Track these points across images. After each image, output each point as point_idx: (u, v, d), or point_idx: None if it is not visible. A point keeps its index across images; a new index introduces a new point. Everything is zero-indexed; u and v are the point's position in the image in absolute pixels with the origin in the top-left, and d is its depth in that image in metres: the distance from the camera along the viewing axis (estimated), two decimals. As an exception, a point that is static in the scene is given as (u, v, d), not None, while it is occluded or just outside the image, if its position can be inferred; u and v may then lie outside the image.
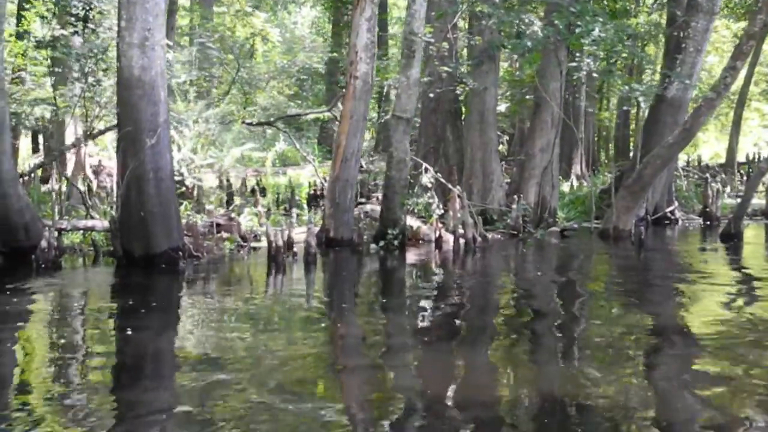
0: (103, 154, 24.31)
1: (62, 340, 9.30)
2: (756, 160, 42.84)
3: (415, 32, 16.22)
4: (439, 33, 18.50)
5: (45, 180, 21.37)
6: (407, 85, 16.45)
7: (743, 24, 38.48)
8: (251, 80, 24.17)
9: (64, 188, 18.13)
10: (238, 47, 21.44)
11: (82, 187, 17.57)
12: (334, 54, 33.38)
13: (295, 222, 16.80)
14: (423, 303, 11.74)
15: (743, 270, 15.46)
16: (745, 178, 34.74)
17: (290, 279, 13.65)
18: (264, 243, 16.23)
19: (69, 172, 19.44)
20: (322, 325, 10.32)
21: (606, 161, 38.72)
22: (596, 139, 41.38)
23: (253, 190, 22.44)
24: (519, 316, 11.05)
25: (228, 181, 21.84)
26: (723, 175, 28.48)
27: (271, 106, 23.96)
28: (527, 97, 21.88)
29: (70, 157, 21.39)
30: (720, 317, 10.60)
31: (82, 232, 15.65)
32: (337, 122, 40.26)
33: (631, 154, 39.97)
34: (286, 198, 21.83)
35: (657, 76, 32.79)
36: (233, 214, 17.24)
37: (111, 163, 20.34)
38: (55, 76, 17.61)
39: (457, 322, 10.47)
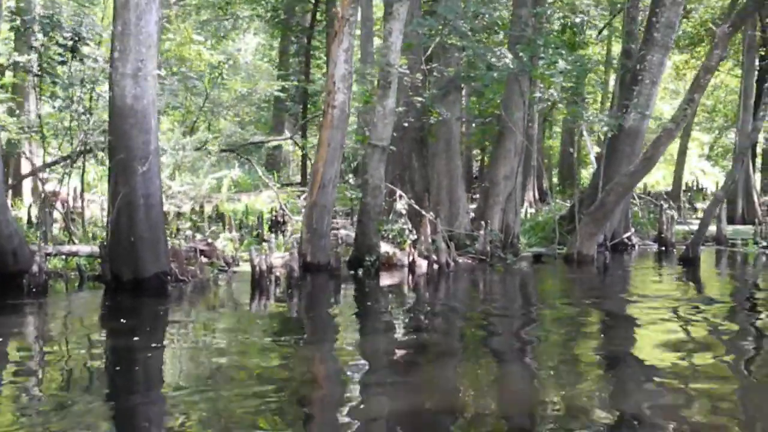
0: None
1: (66, 358, 9.73)
2: (695, 188, 44.31)
3: (391, 63, 16.76)
4: (414, 64, 19.07)
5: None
6: (383, 114, 16.98)
7: (685, 57, 39.90)
8: (214, 108, 24.54)
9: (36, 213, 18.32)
10: (207, 75, 21.80)
11: (58, 214, 17.79)
12: (297, 83, 33.84)
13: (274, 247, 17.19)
14: (405, 327, 12.28)
15: (705, 293, 16.19)
16: (687, 205, 35.95)
17: (274, 303, 14.14)
18: (244, 267, 16.70)
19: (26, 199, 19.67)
20: (305, 348, 10.77)
21: (561, 188, 39.59)
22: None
23: (221, 216, 22.73)
24: (492, 338, 11.65)
25: (201, 207, 22.14)
26: (671, 203, 29.38)
27: (233, 133, 24.31)
28: (491, 125, 22.50)
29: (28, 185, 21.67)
30: (682, 340, 11.25)
31: (63, 257, 15.86)
32: (288, 149, 40.77)
33: (579, 181, 41.15)
34: (247, 224, 22.16)
35: (607, 105, 33.91)
36: (210, 240, 17.58)
37: (64, 190, 20.43)
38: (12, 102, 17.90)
39: (437, 344, 11.06)
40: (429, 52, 18.60)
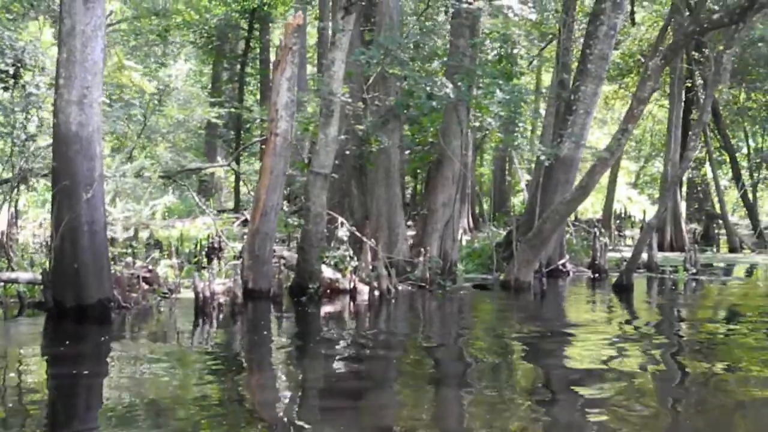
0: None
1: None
2: (623, 215, 45.21)
3: (334, 92, 16.97)
4: (355, 93, 19.30)
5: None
6: (325, 143, 17.16)
7: (614, 87, 40.78)
8: (150, 134, 24.52)
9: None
10: (146, 102, 21.81)
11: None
12: (234, 109, 33.93)
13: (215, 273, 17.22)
14: (347, 354, 12.51)
15: (640, 321, 16.57)
16: (616, 232, 36.72)
17: (217, 330, 14.22)
18: (185, 294, 16.73)
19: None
20: (248, 377, 10.99)
21: (493, 215, 40.13)
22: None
23: (157, 243, 22.69)
24: (433, 365, 11.92)
25: (136, 233, 22.08)
26: (602, 230, 29.96)
27: (170, 159, 24.31)
28: (428, 153, 22.84)
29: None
30: (614, 369, 11.59)
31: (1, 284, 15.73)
32: (220, 175, 40.73)
33: (510, 208, 41.80)
34: (183, 251, 22.15)
35: (538, 133, 34.53)
36: (150, 266, 17.54)
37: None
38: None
39: (377, 372, 11.30)
40: (370, 81, 18.82)
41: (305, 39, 39.48)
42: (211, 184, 44.49)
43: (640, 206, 52.76)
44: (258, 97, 46.10)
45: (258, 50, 45.16)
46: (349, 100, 18.49)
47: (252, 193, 46.65)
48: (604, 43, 20.97)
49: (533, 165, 42.61)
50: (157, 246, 22.59)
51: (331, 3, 24.37)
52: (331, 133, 17.18)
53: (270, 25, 45.35)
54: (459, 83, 18.79)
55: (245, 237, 25.07)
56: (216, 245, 23.63)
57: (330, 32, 18.62)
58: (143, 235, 24.51)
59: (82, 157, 13.70)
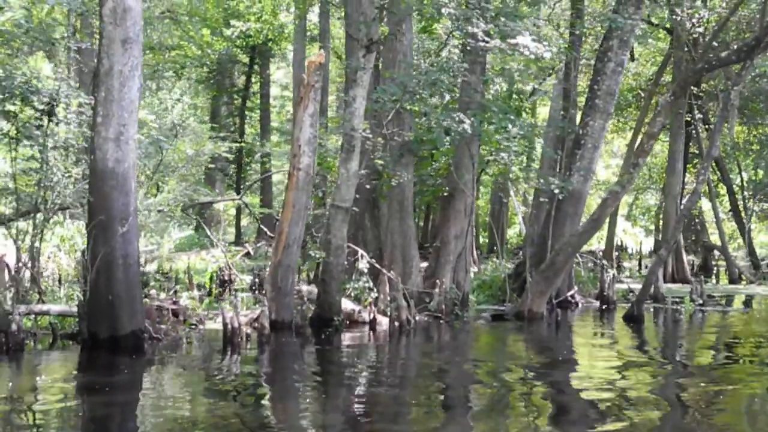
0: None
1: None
2: (621, 247, 45.75)
3: (356, 128, 17.47)
4: (375, 128, 19.77)
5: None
6: (347, 177, 17.63)
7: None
8: (164, 169, 24.93)
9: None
10: (164, 135, 22.24)
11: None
12: (243, 144, 34.37)
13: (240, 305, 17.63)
14: (368, 386, 12.89)
15: (657, 348, 17.04)
16: (616, 264, 37.14)
17: (246, 361, 14.66)
18: (210, 325, 17.18)
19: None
20: (276, 403, 11.62)
21: (494, 248, 40.51)
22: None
23: (166, 275, 23.09)
24: (463, 395, 12.41)
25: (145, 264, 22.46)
26: (606, 261, 30.37)
27: (185, 194, 24.73)
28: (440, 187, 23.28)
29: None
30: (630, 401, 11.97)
31: (33, 316, 16.07)
32: (219, 208, 41.05)
33: (506, 240, 42.18)
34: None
35: (534, 166, 35.04)
36: (175, 298, 17.95)
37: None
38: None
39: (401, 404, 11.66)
40: (390, 116, 19.33)
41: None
42: (210, 217, 44.89)
43: (634, 238, 53.40)
44: (258, 130, 46.69)
45: (258, 85, 45.75)
46: (370, 135, 18.96)
47: (252, 226, 47.31)
48: (612, 79, 21.51)
49: (530, 197, 43.37)
50: (167, 278, 23.00)
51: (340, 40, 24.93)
52: (352, 168, 17.65)
53: (269, 60, 45.97)
54: (472, 118, 19.28)
55: (253, 270, 25.70)
56: (227, 278, 24.10)
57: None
58: (151, 268, 24.91)
59: (118, 192, 14.14)
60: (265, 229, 34.03)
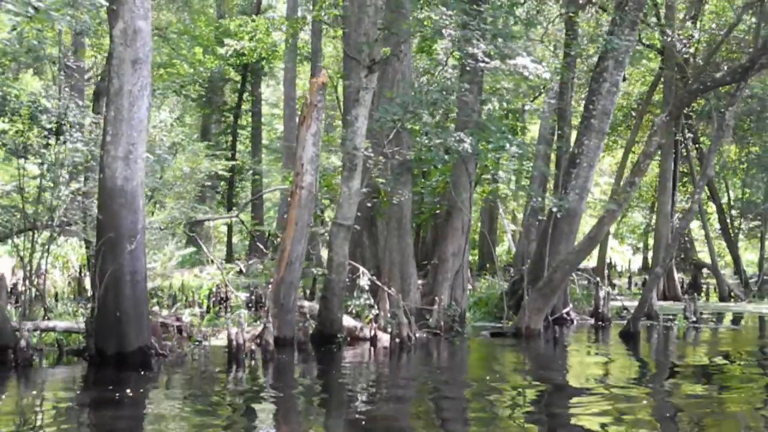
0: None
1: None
2: (611, 265, 46.08)
3: (357, 147, 17.73)
4: (375, 147, 20.01)
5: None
6: (348, 195, 17.87)
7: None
8: (162, 187, 25.12)
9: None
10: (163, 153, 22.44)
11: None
12: (240, 162, 34.57)
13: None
14: (371, 402, 13.11)
15: (655, 369, 17.29)
16: (606, 281, 37.44)
17: (251, 376, 14.86)
18: (213, 341, 17.36)
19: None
20: (284, 419, 11.78)
21: (484, 265, 40.77)
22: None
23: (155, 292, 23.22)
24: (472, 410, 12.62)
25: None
26: (598, 279, 30.69)
27: (183, 211, 24.89)
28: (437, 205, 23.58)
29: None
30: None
31: (38, 332, 16.23)
32: (209, 225, 41.15)
33: (496, 257, 42.43)
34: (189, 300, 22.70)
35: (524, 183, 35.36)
36: (178, 315, 18.11)
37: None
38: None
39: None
40: (391, 136, 19.57)
41: (294, 90, 40.38)
42: (201, 234, 44.98)
43: (622, 256, 53.80)
44: (248, 148, 46.96)
45: (250, 103, 46.03)
46: (371, 154, 19.21)
47: (241, 243, 47.47)
48: (607, 99, 21.82)
49: (520, 215, 43.71)
50: (170, 295, 23.14)
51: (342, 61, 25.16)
52: (354, 186, 17.89)
53: (261, 78, 46.28)
54: (470, 138, 19.53)
55: (249, 287, 25.84)
56: (223, 295, 24.23)
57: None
58: (151, 285, 24.98)
59: (127, 210, 14.34)
60: (261, 246, 34.27)
